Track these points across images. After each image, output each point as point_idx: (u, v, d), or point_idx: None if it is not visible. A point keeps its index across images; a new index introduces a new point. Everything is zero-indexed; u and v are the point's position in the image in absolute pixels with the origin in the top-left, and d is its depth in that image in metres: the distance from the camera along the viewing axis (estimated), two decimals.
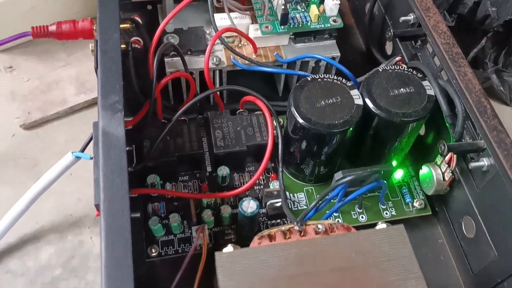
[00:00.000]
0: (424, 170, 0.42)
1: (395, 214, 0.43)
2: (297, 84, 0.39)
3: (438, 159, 0.41)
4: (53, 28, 0.46)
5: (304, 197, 0.43)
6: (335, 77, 0.39)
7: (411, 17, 0.44)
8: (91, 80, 0.53)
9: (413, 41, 0.44)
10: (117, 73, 0.35)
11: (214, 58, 0.45)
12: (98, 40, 0.36)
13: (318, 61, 0.46)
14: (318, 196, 0.39)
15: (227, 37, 0.46)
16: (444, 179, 0.40)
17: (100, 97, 0.33)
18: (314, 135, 0.38)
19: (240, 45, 0.47)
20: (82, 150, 0.41)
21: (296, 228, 0.33)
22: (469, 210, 0.39)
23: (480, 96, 0.35)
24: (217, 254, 0.31)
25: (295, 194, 0.43)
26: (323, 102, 0.38)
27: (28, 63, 0.54)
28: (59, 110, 0.51)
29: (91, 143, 0.37)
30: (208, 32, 0.47)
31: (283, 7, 0.43)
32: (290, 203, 0.42)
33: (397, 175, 0.45)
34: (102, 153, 0.31)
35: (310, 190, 0.43)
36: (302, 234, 0.33)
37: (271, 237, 0.33)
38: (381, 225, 0.33)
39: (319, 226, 0.34)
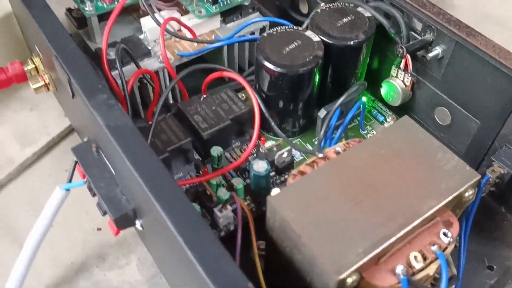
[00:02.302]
0: (384, 86, 0.46)
1: None
2: (257, 43, 0.41)
3: (393, 72, 0.45)
4: None
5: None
6: (286, 27, 0.42)
7: None
8: (32, 131, 0.50)
9: None
10: (92, 75, 0.33)
11: (160, 57, 0.45)
12: (56, 56, 0.34)
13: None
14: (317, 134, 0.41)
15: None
16: (406, 85, 0.45)
17: (86, 100, 0.32)
18: (292, 78, 0.40)
19: (176, 41, 0.47)
20: (70, 181, 0.38)
21: (320, 155, 0.35)
22: (438, 100, 0.43)
23: None
24: (269, 198, 0.31)
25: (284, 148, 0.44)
26: (287, 48, 0.40)
27: None
28: (9, 171, 0.47)
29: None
30: (142, 37, 0.47)
31: None
32: None
33: None
34: (119, 146, 0.29)
35: (298, 142, 0.45)
36: (326, 160, 0.35)
37: (302, 173, 0.34)
38: (387, 123, 0.36)
39: (337, 148, 0.35)
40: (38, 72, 0.44)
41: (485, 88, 0.38)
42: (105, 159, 0.35)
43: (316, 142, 0.45)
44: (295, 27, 0.42)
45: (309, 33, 0.41)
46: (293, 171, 0.35)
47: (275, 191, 0.32)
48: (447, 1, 0.70)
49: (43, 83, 0.43)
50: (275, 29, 0.42)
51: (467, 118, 0.41)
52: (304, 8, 0.55)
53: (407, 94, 0.45)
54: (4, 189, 0.46)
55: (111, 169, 0.35)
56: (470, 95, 0.40)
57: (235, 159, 0.43)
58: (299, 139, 0.45)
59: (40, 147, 0.49)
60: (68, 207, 0.39)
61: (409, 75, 0.44)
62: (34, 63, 0.44)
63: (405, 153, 0.33)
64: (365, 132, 0.46)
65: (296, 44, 0.40)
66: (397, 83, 0.45)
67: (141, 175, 0.28)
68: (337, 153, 0.35)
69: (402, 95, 0.44)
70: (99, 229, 0.44)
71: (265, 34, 0.41)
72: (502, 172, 0.38)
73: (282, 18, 0.51)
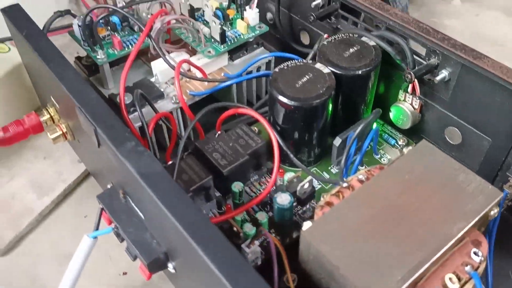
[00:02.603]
0: (393, 110, 0.47)
1: (390, 158, 0.47)
2: (270, 78, 0.42)
3: (401, 96, 0.47)
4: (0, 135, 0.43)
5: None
6: (296, 61, 0.43)
7: (319, 0, 0.50)
8: (47, 179, 0.50)
9: (329, 19, 0.50)
10: (118, 124, 0.34)
11: (173, 98, 0.46)
12: (80, 107, 0.35)
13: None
14: (336, 160, 0.42)
15: (172, 78, 0.48)
16: (414, 108, 0.46)
17: (115, 149, 0.32)
18: (307, 110, 0.41)
19: (187, 81, 0.48)
20: (97, 228, 0.38)
21: (345, 185, 0.35)
22: (447, 121, 0.44)
23: (418, 22, 0.42)
24: (303, 232, 0.31)
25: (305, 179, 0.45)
26: (300, 82, 0.41)
27: None
28: (29, 220, 0.47)
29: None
30: (153, 80, 0.48)
31: (219, 26, 0.46)
32: None
33: None
34: (154, 192, 0.30)
35: (315, 171, 0.46)
36: (351, 189, 0.35)
37: (329, 204, 0.35)
38: (405, 150, 0.37)
39: (360, 176, 0.36)
40: (54, 121, 0.45)
41: (495, 106, 0.39)
42: (133, 204, 0.36)
43: (332, 170, 0.46)
44: (304, 60, 0.43)
45: (318, 65, 0.43)
46: (320, 202, 0.35)
47: (306, 224, 0.32)
48: (438, 22, 0.73)
49: (60, 132, 0.43)
50: (285, 64, 0.43)
51: (478, 136, 0.42)
52: (305, 40, 0.56)
53: (416, 117, 0.46)
54: (25, 239, 0.46)
55: (140, 214, 0.35)
56: (480, 114, 0.41)
57: (255, 193, 0.44)
58: (315, 168, 0.46)
59: (57, 194, 0.49)
60: (91, 254, 0.39)
61: (417, 98, 0.45)
62: (49, 113, 0.44)
63: (428, 177, 0.34)
64: (379, 156, 0.47)
65: (308, 77, 0.42)
66: (406, 107, 0.46)
67: (178, 219, 0.28)
68: (361, 181, 0.36)
69: (412, 118, 0.46)
70: (124, 273, 0.44)
71: (276, 70, 0.42)
72: None
73: (284, 50, 0.53)
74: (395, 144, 0.48)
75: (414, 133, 0.48)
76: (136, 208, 0.36)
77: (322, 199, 0.39)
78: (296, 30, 0.56)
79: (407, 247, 0.30)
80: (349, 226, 0.31)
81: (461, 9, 0.76)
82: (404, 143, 0.48)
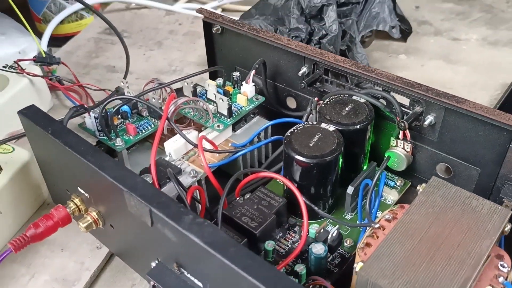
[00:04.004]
0: (388, 156, 0.53)
1: (394, 198, 0.52)
2: (284, 141, 0.46)
3: (392, 142, 0.53)
4: (31, 232, 0.44)
5: (332, 226, 0.49)
6: (302, 124, 0.48)
7: (304, 69, 0.56)
8: (70, 271, 0.50)
9: (314, 84, 0.56)
10: (169, 200, 0.37)
11: (191, 172, 0.49)
12: (129, 192, 0.38)
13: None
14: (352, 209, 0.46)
15: (186, 154, 0.51)
16: (407, 151, 0.52)
17: (175, 224, 0.35)
18: (323, 166, 0.45)
19: (198, 155, 0.52)
20: None
21: (376, 226, 0.40)
22: (437, 158, 0.51)
23: (401, 78, 0.49)
24: (359, 272, 0.35)
25: (333, 228, 0.49)
26: (312, 142, 0.46)
27: None
28: None
29: None
30: (167, 158, 0.51)
31: (227, 102, 0.51)
32: None
33: None
34: (226, 258, 0.32)
35: (332, 220, 0.50)
36: (383, 229, 0.40)
37: (368, 245, 0.39)
38: (420, 187, 0.42)
39: (386, 216, 0.41)
40: (80, 211, 0.46)
41: (479, 140, 0.46)
42: (189, 276, 0.38)
43: (346, 217, 0.50)
44: (310, 122, 0.49)
45: (323, 125, 0.48)
46: (359, 245, 0.39)
47: (359, 265, 0.36)
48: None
49: (92, 220, 0.45)
50: (295, 128, 0.48)
51: (467, 168, 0.49)
52: (292, 104, 0.62)
53: (409, 159, 0.52)
54: None
55: (199, 283, 0.37)
56: (467, 149, 0.48)
57: (284, 249, 0.47)
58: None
59: (83, 284, 0.49)
60: None
61: (409, 142, 0.51)
62: (75, 204, 0.46)
63: (448, 208, 0.39)
64: (383, 198, 0.52)
65: (318, 136, 0.47)
66: (399, 151, 0.52)
67: (256, 279, 0.31)
68: (388, 220, 0.40)
69: (406, 160, 0.52)
70: None
71: (288, 133, 0.47)
72: None
73: (272, 115, 0.58)
74: (395, 185, 0.53)
75: (408, 173, 0.54)
76: (193, 278, 0.38)
77: (346, 243, 0.44)
78: (282, 97, 0.62)
79: (451, 268, 0.34)
80: (398, 259, 0.35)
81: (407, 61, 0.86)
82: (402, 183, 0.53)
